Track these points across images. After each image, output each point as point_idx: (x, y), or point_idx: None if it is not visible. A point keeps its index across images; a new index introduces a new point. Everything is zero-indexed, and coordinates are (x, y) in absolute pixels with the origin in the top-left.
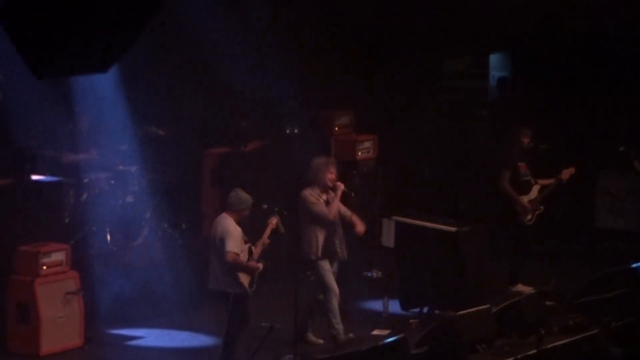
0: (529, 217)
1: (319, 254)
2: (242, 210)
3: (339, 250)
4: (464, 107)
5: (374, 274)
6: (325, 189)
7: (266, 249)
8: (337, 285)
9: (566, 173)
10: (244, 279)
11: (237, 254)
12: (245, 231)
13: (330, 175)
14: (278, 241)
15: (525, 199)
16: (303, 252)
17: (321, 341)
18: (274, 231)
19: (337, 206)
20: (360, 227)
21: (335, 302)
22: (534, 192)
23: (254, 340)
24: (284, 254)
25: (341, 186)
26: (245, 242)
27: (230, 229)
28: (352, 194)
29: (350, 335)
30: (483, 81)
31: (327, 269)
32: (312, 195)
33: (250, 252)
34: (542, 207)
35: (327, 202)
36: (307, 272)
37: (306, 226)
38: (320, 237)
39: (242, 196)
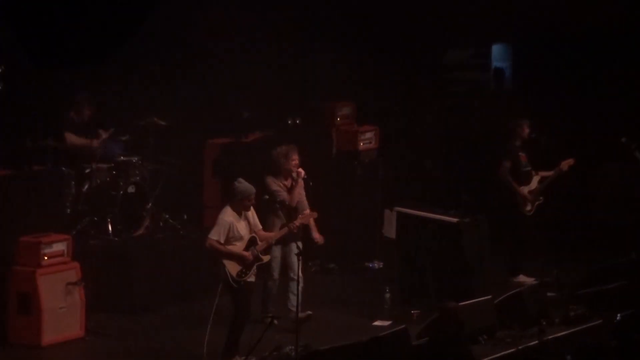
0: (529, 207)
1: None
2: (240, 200)
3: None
4: (465, 98)
5: (376, 264)
6: (288, 175)
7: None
8: (277, 272)
9: (565, 164)
10: (231, 267)
11: (217, 241)
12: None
13: (292, 162)
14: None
15: (525, 189)
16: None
17: (309, 312)
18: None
19: (299, 193)
20: (317, 235)
21: (272, 287)
22: (534, 183)
23: (255, 331)
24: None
25: (302, 173)
26: (255, 232)
27: (220, 217)
28: (311, 183)
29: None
30: (485, 72)
31: (275, 256)
32: (275, 182)
33: (253, 243)
34: (541, 198)
35: (290, 190)
36: (309, 262)
37: (266, 210)
38: (278, 222)
39: (238, 186)
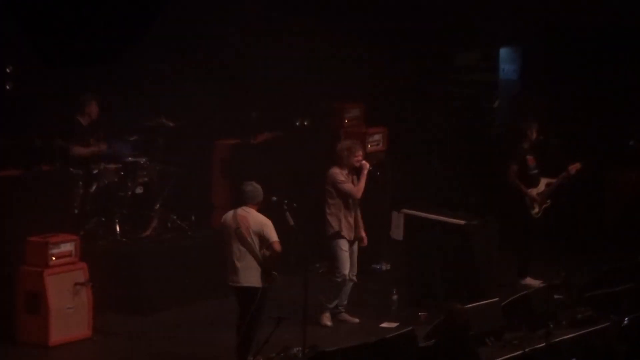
0: (537, 210)
1: (342, 229)
2: (258, 200)
3: (356, 231)
4: (473, 100)
5: (383, 266)
6: (352, 169)
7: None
8: (348, 268)
9: (573, 168)
10: (274, 271)
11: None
12: None
13: (356, 157)
14: (287, 233)
15: (533, 191)
16: (326, 228)
17: (356, 320)
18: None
19: (364, 184)
20: (364, 241)
21: (341, 283)
22: (542, 186)
23: (262, 331)
24: (294, 245)
25: (367, 165)
26: None
27: (265, 220)
28: (378, 173)
29: (328, 323)
30: (493, 74)
31: (344, 249)
32: (342, 174)
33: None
34: (549, 202)
35: (353, 182)
36: (317, 264)
37: (332, 203)
38: (344, 215)
39: (258, 187)
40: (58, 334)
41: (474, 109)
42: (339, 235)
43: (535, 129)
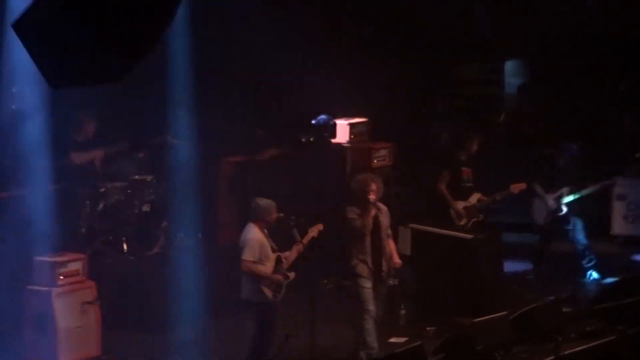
0: (463, 222)
1: (355, 267)
2: (266, 217)
3: (383, 267)
4: (479, 114)
5: (391, 281)
6: (364, 206)
7: (299, 257)
8: (372, 304)
9: (516, 187)
10: (266, 287)
11: (253, 262)
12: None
13: (366, 193)
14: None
15: (461, 204)
16: (347, 265)
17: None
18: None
19: (368, 220)
20: (396, 259)
21: (369, 321)
22: (473, 199)
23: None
24: (302, 262)
25: (373, 205)
26: (274, 251)
27: (249, 237)
28: (384, 220)
29: None
30: (498, 88)
31: (365, 287)
32: (353, 211)
33: (279, 262)
34: (481, 216)
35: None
36: (324, 280)
37: (346, 241)
38: (356, 253)
39: (262, 204)
40: (67, 353)
41: (479, 122)
42: (354, 272)
43: (477, 141)
